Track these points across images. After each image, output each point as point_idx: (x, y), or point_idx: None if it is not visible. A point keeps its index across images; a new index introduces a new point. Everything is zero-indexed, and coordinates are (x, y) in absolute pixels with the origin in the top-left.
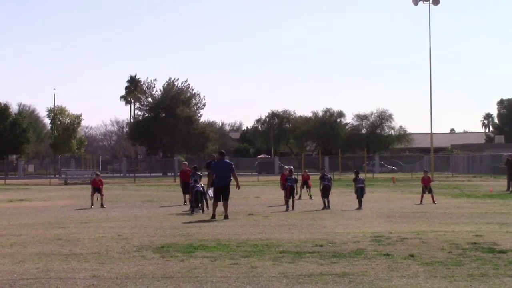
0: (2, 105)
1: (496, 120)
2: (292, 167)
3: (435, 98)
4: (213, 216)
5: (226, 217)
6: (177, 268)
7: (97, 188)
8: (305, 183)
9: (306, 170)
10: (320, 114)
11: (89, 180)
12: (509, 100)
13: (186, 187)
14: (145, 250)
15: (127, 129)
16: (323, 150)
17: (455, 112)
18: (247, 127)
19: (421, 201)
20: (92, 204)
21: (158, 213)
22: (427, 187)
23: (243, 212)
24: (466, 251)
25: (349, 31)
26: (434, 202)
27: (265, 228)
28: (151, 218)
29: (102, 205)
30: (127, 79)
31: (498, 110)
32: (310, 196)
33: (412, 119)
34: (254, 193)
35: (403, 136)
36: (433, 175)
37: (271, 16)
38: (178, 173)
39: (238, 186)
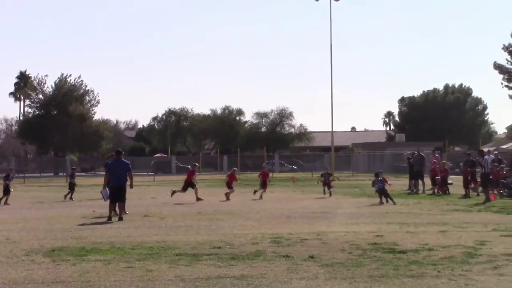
0: None
1: (397, 118)
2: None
3: (336, 96)
4: (109, 218)
5: (120, 218)
6: (69, 272)
7: None
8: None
9: (266, 165)
10: (219, 111)
11: None
12: (410, 98)
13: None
14: (34, 254)
15: (16, 127)
16: (221, 149)
17: (356, 110)
18: (143, 125)
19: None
20: None
21: (49, 215)
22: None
23: (138, 213)
24: (366, 252)
25: (248, 26)
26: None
27: (161, 229)
28: (42, 220)
29: None
30: (16, 75)
31: (399, 108)
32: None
33: (312, 117)
34: (150, 193)
35: (303, 134)
36: (333, 173)
37: (168, 12)
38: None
39: (131, 185)
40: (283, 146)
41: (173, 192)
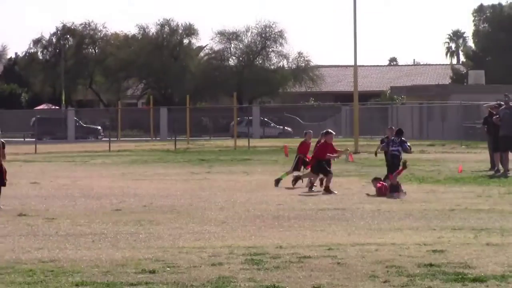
0: None
1: (471, 44)
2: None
3: (362, 6)
4: None
5: None
6: None
7: None
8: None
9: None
10: (153, 29)
11: None
12: (493, 7)
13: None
14: None
15: None
16: (157, 96)
17: (397, 29)
18: (16, 54)
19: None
20: None
21: None
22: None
23: (9, 211)
24: (415, 280)
25: None
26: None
27: (50, 240)
28: None
29: None
30: None
31: (474, 26)
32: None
33: (320, 41)
34: (30, 175)
35: (303, 71)
36: (357, 140)
37: None
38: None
39: (3, 156)
40: (268, 92)
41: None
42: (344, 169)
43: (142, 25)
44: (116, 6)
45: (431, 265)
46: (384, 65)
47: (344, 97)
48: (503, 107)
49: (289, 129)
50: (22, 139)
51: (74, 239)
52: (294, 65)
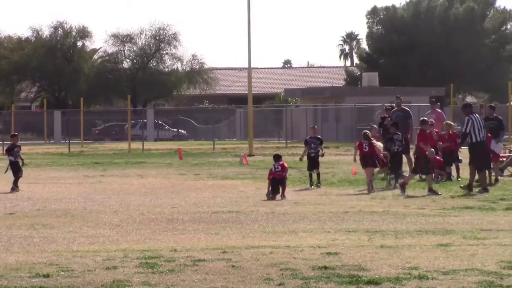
0: None
1: (364, 46)
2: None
3: (256, 9)
4: None
5: None
6: None
7: None
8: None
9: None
10: (46, 32)
11: None
12: (387, 9)
13: None
14: None
15: None
16: (52, 99)
17: (291, 33)
18: None
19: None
20: None
21: None
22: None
23: None
24: (309, 282)
25: None
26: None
27: None
28: None
29: None
30: None
31: (368, 28)
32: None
33: (214, 43)
34: None
35: (198, 73)
36: (251, 143)
37: None
38: None
39: None
40: (162, 94)
41: None
42: (239, 171)
43: (36, 28)
44: (9, 8)
45: (325, 267)
46: (278, 68)
47: (239, 100)
48: (395, 109)
49: (183, 131)
50: None
51: None
52: (188, 68)
